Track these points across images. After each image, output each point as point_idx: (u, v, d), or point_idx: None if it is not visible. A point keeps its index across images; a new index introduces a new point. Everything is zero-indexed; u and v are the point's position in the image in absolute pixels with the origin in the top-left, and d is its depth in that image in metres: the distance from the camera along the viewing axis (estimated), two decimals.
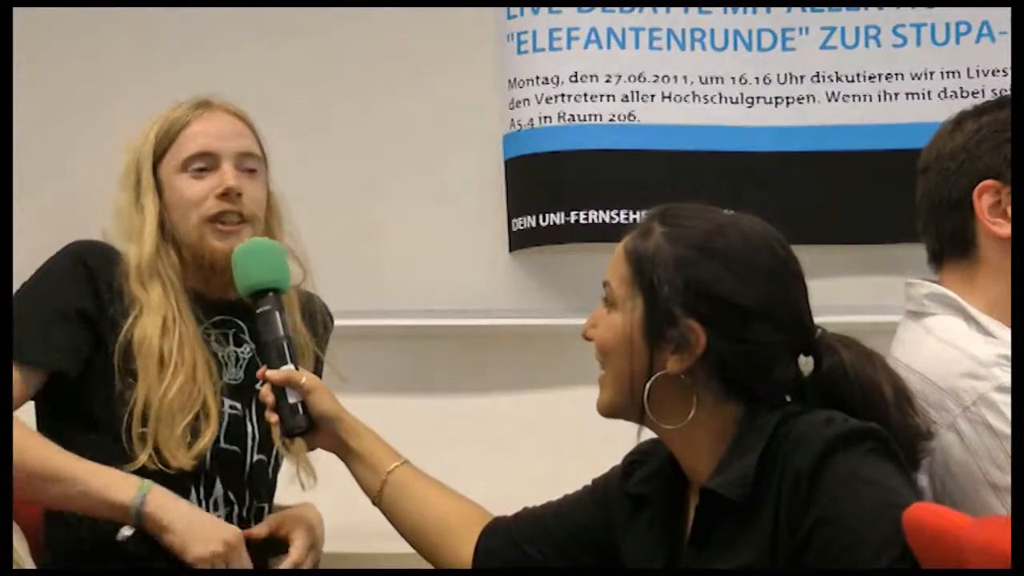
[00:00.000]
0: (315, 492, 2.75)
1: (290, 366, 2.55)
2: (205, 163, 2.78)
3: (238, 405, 2.76)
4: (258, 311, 2.60)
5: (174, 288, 2.74)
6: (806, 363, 2.23)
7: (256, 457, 2.76)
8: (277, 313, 2.59)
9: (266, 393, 2.55)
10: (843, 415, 2.16)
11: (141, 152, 2.81)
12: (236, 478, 2.74)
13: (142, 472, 2.63)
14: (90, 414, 2.70)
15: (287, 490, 2.85)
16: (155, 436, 2.65)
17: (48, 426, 2.71)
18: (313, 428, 2.54)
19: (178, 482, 2.67)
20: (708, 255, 2.20)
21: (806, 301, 2.26)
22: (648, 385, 2.21)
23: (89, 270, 2.72)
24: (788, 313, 2.23)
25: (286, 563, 2.71)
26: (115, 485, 2.60)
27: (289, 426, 2.54)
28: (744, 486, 2.14)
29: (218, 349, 2.77)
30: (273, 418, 2.55)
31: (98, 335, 2.70)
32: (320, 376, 2.84)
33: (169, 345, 2.69)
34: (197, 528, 2.60)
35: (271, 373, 2.55)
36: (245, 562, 2.63)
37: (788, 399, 2.24)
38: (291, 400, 2.54)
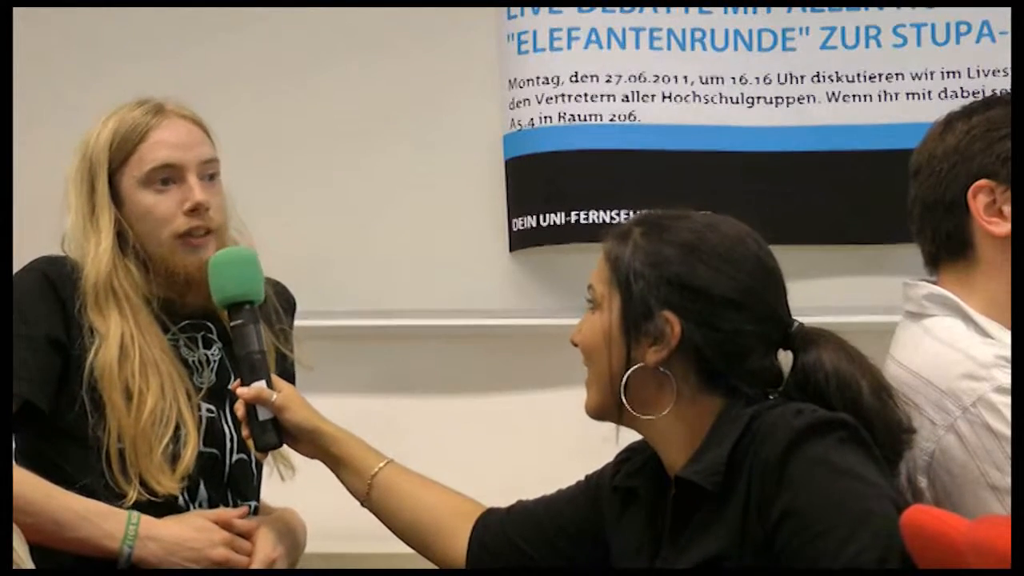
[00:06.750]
0: (312, 493, 2.75)
1: (262, 383, 2.57)
2: (169, 175, 2.74)
3: (213, 408, 2.75)
4: (233, 324, 2.62)
5: (131, 304, 2.71)
6: (784, 356, 2.28)
7: (236, 457, 2.76)
8: (252, 327, 2.60)
9: (239, 408, 2.58)
10: (813, 406, 2.20)
11: (94, 158, 2.75)
12: (217, 480, 2.74)
13: (134, 505, 2.64)
14: (71, 434, 2.69)
15: (284, 491, 2.84)
16: (136, 467, 2.65)
17: (32, 447, 2.71)
18: (293, 440, 2.58)
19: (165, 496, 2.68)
20: (681, 248, 2.26)
21: (782, 295, 2.31)
22: (626, 377, 2.25)
23: (58, 296, 2.70)
24: (761, 304, 2.27)
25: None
26: (102, 536, 2.60)
27: (260, 444, 2.57)
28: (716, 475, 2.18)
29: (188, 355, 2.76)
30: (246, 433, 2.58)
31: (67, 366, 2.69)
32: (292, 371, 2.85)
33: (131, 369, 2.67)
34: (189, 556, 2.62)
35: (242, 390, 2.57)
36: (241, 554, 2.67)
37: (769, 395, 2.27)
38: (262, 417, 2.56)
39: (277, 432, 2.57)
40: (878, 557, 2.07)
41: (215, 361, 2.78)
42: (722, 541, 2.18)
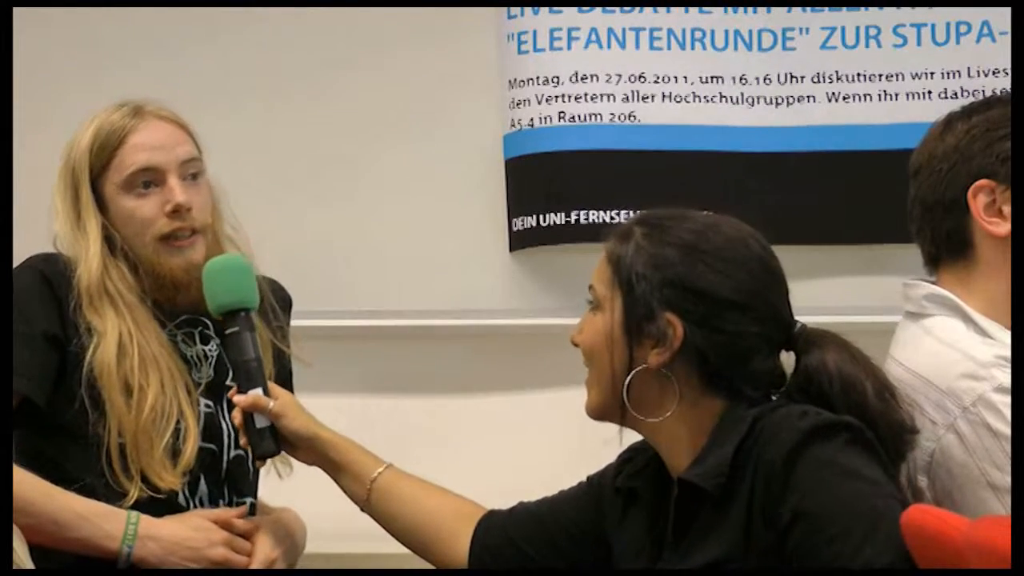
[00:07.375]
0: (312, 494, 2.75)
1: (258, 390, 2.57)
2: (149, 177, 2.73)
3: (211, 403, 2.75)
4: (227, 332, 2.62)
5: (126, 302, 2.71)
6: (787, 358, 2.28)
7: (233, 453, 2.76)
8: (247, 334, 2.61)
9: (236, 416, 2.58)
10: (817, 409, 2.19)
11: (76, 164, 2.75)
12: (215, 475, 2.74)
13: (135, 502, 2.64)
14: (70, 431, 2.69)
15: (284, 491, 2.84)
16: (138, 464, 2.65)
17: (31, 444, 2.71)
18: (291, 447, 2.58)
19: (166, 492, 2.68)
20: (683, 250, 2.25)
21: (784, 296, 2.31)
22: (628, 379, 2.25)
23: (55, 294, 2.70)
24: (764, 305, 2.26)
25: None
26: (102, 536, 2.61)
27: (259, 451, 2.58)
28: (719, 476, 2.18)
29: (186, 350, 2.76)
30: (243, 441, 2.59)
31: (65, 363, 2.68)
32: (289, 368, 2.85)
33: (130, 365, 2.66)
34: (188, 555, 2.63)
35: (239, 398, 2.57)
36: (241, 555, 2.67)
37: (771, 396, 2.27)
38: (259, 425, 2.56)
39: (275, 439, 2.57)
40: (891, 559, 2.07)
41: (213, 356, 2.78)
42: (725, 544, 2.17)
